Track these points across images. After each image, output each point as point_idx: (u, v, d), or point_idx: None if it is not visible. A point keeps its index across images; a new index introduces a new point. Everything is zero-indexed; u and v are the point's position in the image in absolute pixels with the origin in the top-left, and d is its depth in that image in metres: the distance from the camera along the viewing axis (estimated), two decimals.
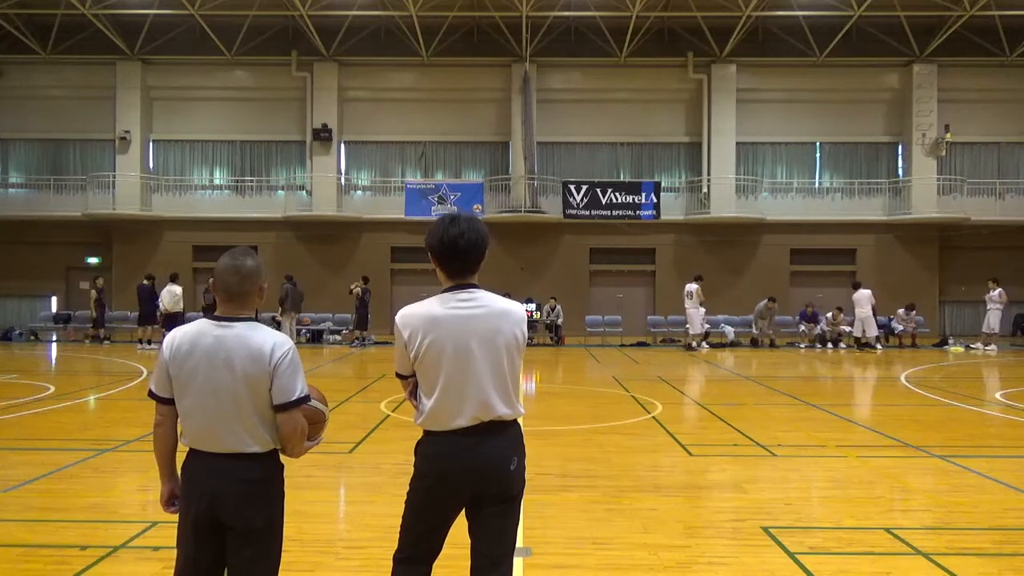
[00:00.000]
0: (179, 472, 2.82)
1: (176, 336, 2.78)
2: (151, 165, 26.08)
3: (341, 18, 23.91)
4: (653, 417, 9.38)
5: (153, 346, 18.71)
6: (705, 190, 25.21)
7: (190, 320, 3.01)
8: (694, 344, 20.03)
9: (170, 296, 18.59)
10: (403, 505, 2.95)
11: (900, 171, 25.83)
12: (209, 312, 2.89)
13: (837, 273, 25.47)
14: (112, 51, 24.91)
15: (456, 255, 2.86)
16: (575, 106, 25.80)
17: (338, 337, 21.81)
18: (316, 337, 21.77)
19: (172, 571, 2.82)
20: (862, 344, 20.06)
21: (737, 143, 25.31)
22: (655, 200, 24.50)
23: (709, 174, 25.14)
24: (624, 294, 25.19)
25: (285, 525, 2.84)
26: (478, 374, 2.82)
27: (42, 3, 23.28)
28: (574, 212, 24.45)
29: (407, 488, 2.94)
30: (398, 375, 3.01)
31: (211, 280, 2.84)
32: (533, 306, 22.10)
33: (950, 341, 21.67)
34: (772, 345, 21.11)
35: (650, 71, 25.61)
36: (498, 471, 2.83)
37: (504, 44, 24.91)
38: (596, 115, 25.74)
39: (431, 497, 2.86)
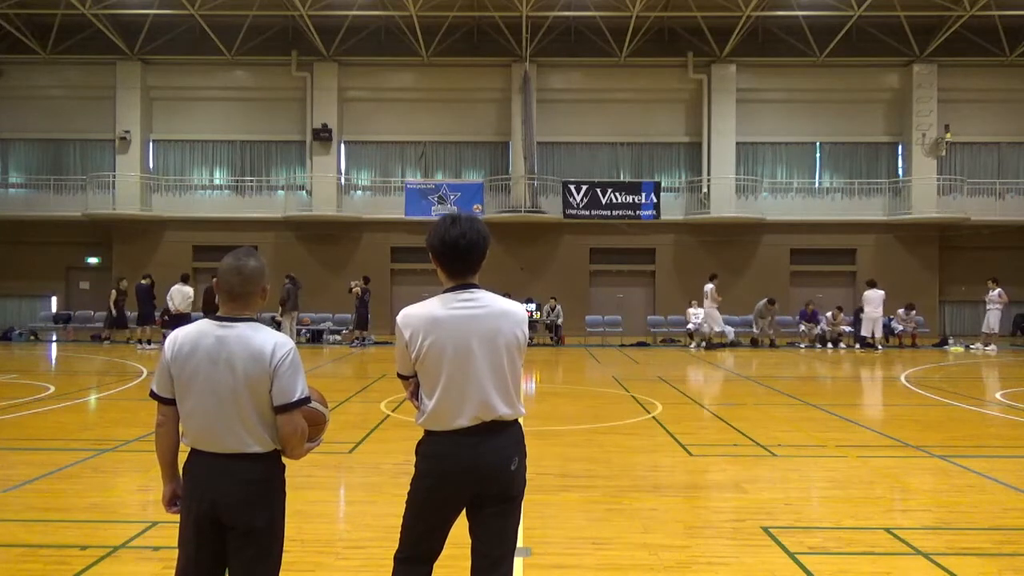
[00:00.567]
0: (181, 472, 2.83)
1: (178, 336, 2.79)
2: (151, 165, 26.08)
3: (341, 18, 23.91)
4: (653, 417, 9.38)
5: (152, 346, 18.71)
6: (705, 190, 25.21)
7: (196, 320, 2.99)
8: (714, 342, 20.34)
9: (181, 296, 18.51)
10: (403, 505, 2.95)
11: (900, 171, 25.84)
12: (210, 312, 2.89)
13: (837, 273, 25.49)
14: (112, 51, 24.91)
15: (457, 255, 2.86)
16: (575, 106, 25.80)
17: (338, 337, 21.81)
18: (316, 337, 21.77)
19: (173, 571, 2.82)
20: (866, 343, 20.05)
21: (737, 143, 25.32)
22: (655, 200, 24.50)
23: (709, 174, 25.15)
24: (624, 294, 25.20)
25: (286, 525, 2.85)
26: (479, 374, 2.82)
27: (42, 3, 23.28)
28: (574, 212, 24.45)
29: (407, 488, 2.94)
30: (399, 375, 3.02)
31: (214, 280, 2.84)
32: (533, 306, 22.11)
33: (950, 341, 21.67)
34: (772, 345, 21.11)
35: (650, 71, 25.61)
36: (499, 471, 2.84)
37: (504, 44, 24.91)
38: (596, 115, 25.74)
39: (432, 497, 2.86)
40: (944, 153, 25.10)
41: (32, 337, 22.43)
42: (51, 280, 25.82)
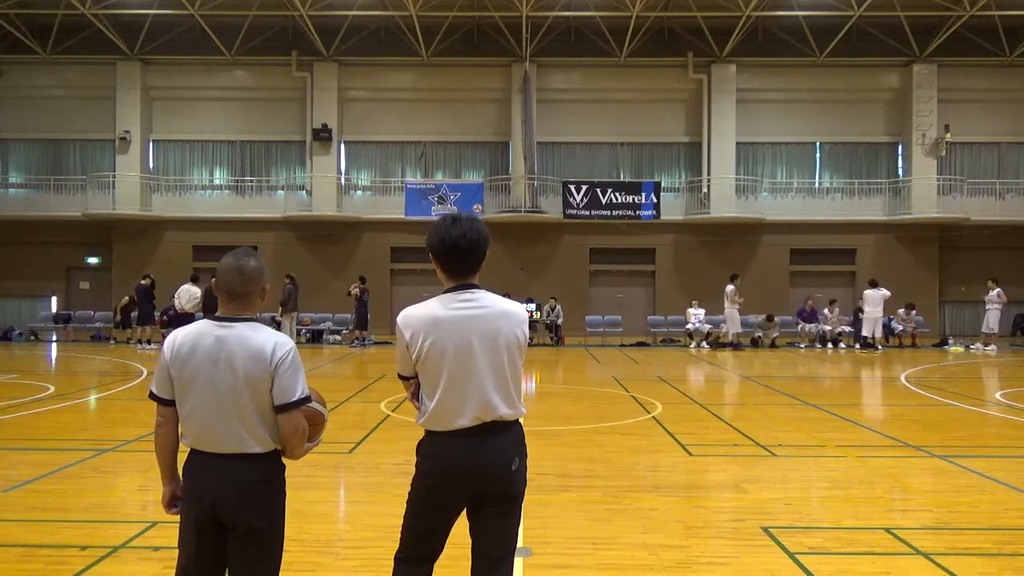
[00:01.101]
0: (180, 473, 2.83)
1: (177, 337, 2.78)
2: (151, 165, 26.08)
3: (341, 18, 23.90)
4: (653, 417, 9.38)
5: (152, 346, 18.71)
6: (705, 190, 25.21)
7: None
8: (732, 341, 20.39)
9: (188, 296, 18.45)
10: (403, 505, 2.95)
11: (900, 171, 25.83)
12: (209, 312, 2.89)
13: (837, 273, 25.48)
14: (112, 51, 24.91)
15: (458, 256, 2.87)
16: (575, 106, 25.80)
17: (338, 337, 21.81)
18: (316, 337, 21.77)
19: (172, 571, 2.82)
20: (866, 343, 20.05)
21: (737, 143, 25.32)
22: (655, 200, 24.50)
23: (709, 174, 25.15)
24: (624, 294, 25.20)
25: (286, 525, 2.85)
26: (480, 374, 2.82)
27: (42, 3, 23.27)
28: (574, 212, 24.45)
29: (407, 488, 2.94)
30: (400, 376, 3.02)
31: (213, 280, 2.84)
32: (533, 306, 22.10)
33: (950, 341, 21.68)
34: (772, 345, 21.12)
35: (650, 71, 25.61)
36: (499, 471, 2.84)
37: (504, 44, 24.91)
38: (596, 115, 25.74)
39: (432, 497, 2.86)
40: (944, 153, 25.10)
41: (32, 337, 22.44)
42: (51, 280, 25.82)
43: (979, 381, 14.59)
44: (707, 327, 21.47)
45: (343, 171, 26.00)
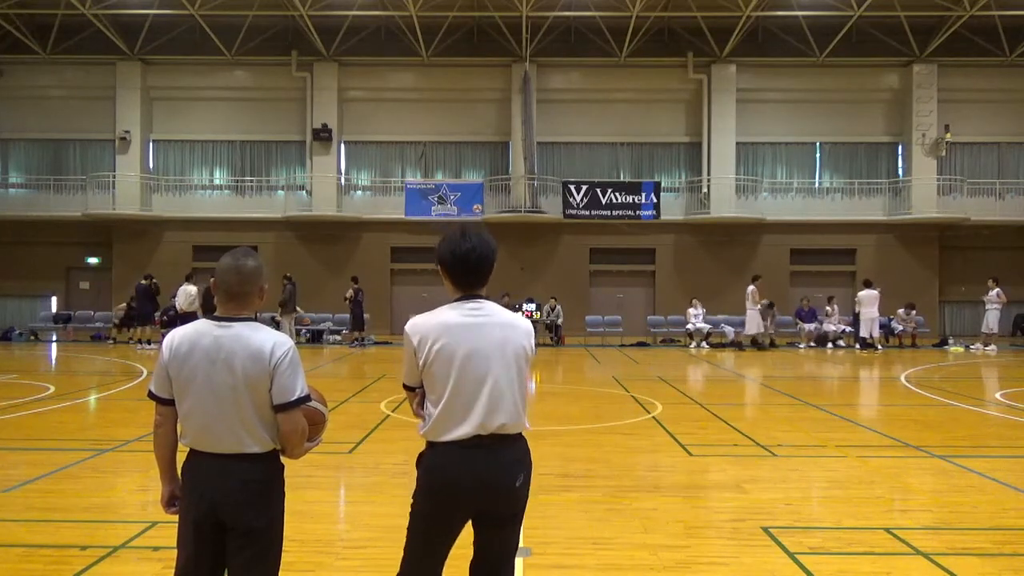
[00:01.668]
0: (179, 473, 2.82)
1: (175, 337, 2.78)
2: (151, 165, 26.07)
3: (341, 18, 23.90)
4: (653, 417, 9.37)
5: (152, 346, 18.70)
6: (705, 190, 25.21)
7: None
8: (746, 342, 20.42)
9: (185, 296, 18.46)
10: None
11: (900, 171, 25.83)
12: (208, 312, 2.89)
13: (837, 273, 25.47)
14: (112, 51, 24.91)
15: (468, 269, 2.87)
16: (575, 106, 25.80)
17: (338, 337, 21.81)
18: (316, 337, 21.77)
19: (172, 571, 2.82)
20: (866, 344, 20.05)
21: (737, 143, 25.31)
22: (655, 200, 24.50)
23: (709, 174, 25.14)
24: (624, 294, 25.20)
25: (285, 525, 2.84)
26: (487, 381, 2.80)
27: (42, 3, 23.28)
28: (574, 212, 24.45)
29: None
30: (405, 387, 2.97)
31: (212, 280, 2.83)
32: (533, 306, 22.08)
33: (950, 341, 21.67)
34: (772, 345, 21.12)
35: (650, 71, 25.61)
36: (502, 489, 2.80)
37: (504, 44, 24.91)
38: (596, 115, 25.74)
39: (434, 516, 2.82)
40: (944, 153, 25.10)
41: (32, 337, 22.44)
42: (51, 280, 25.81)
43: (979, 381, 14.59)
44: (707, 327, 21.46)
45: (343, 171, 26.00)
